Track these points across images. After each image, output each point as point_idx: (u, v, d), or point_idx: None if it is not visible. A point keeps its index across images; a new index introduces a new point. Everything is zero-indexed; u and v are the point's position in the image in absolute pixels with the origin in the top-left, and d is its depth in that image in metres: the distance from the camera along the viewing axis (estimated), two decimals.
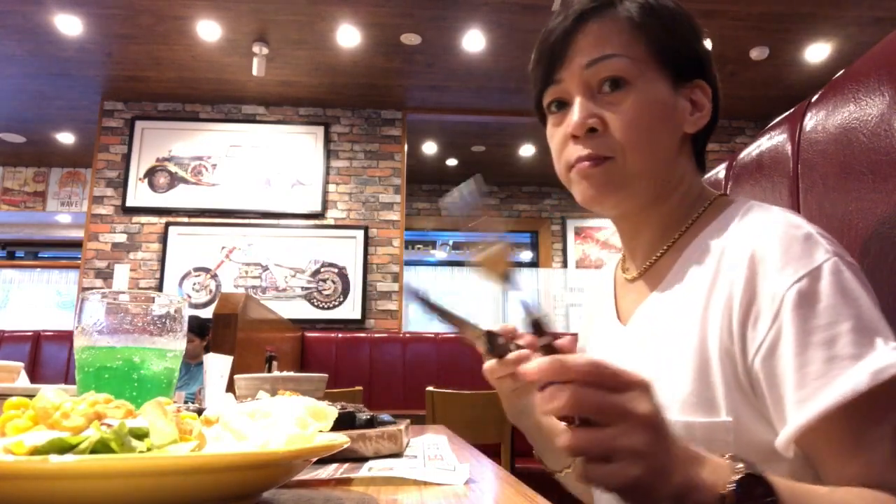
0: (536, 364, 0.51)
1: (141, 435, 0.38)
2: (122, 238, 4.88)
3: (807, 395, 0.60)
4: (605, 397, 0.50)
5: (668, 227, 0.80)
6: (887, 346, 0.60)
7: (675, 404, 0.69)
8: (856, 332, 0.60)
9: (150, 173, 4.96)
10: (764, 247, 0.67)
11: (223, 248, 4.88)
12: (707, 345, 0.69)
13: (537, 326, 0.59)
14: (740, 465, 0.53)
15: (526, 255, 7.34)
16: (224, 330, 2.61)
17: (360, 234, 4.96)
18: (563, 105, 0.78)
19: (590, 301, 0.99)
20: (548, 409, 0.50)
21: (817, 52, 4.35)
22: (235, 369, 1.22)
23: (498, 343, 0.71)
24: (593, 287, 0.99)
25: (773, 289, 0.64)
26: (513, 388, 0.77)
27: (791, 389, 0.61)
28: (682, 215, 0.80)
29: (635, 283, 0.84)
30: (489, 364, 0.74)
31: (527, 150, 6.14)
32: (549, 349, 0.57)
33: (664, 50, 0.75)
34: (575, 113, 0.74)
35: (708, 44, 0.81)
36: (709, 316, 0.69)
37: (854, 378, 0.58)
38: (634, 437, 0.49)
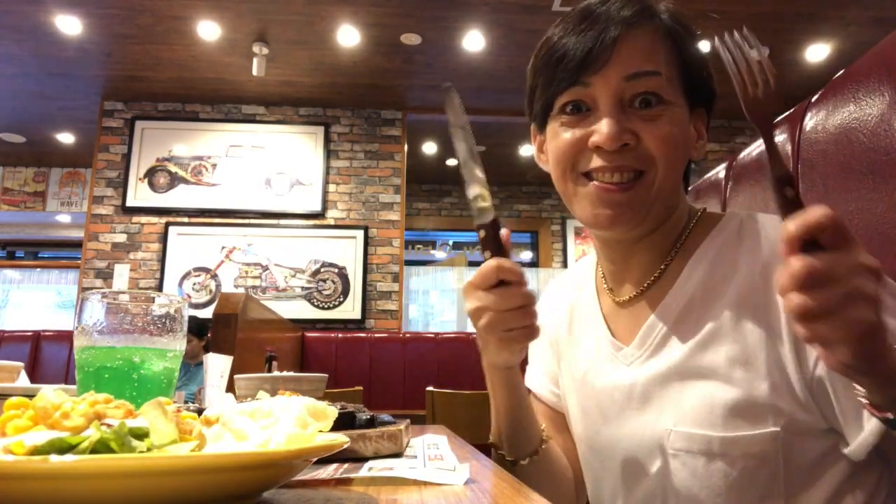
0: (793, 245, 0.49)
1: (141, 435, 0.38)
2: (122, 238, 4.88)
3: None
4: (838, 256, 0.49)
5: (662, 248, 0.80)
6: None
7: (718, 419, 0.68)
8: None
9: (150, 173, 4.96)
10: None
11: (223, 248, 4.88)
12: (751, 358, 0.67)
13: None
14: None
15: (526, 255, 7.34)
16: (224, 330, 2.61)
17: (360, 234, 4.96)
18: (580, 109, 0.74)
19: (561, 321, 0.92)
20: (787, 283, 0.49)
21: (817, 52, 4.35)
22: (235, 369, 1.21)
23: (500, 238, 0.67)
24: (562, 309, 0.93)
25: None
26: (510, 306, 0.66)
27: None
28: (675, 235, 0.80)
29: (630, 305, 0.81)
30: (494, 262, 0.66)
31: (527, 150, 6.14)
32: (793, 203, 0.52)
33: (689, 72, 0.74)
34: (606, 125, 0.70)
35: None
36: (745, 329, 0.68)
37: None
38: (870, 284, 0.49)
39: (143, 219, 4.90)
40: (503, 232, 0.68)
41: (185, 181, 4.96)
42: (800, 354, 0.66)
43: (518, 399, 0.82)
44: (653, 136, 0.71)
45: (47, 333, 4.62)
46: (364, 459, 0.72)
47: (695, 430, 0.69)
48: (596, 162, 0.72)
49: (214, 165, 5.00)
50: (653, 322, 0.77)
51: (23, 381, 1.22)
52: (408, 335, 4.53)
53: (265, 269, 4.88)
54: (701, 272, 0.75)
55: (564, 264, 6.85)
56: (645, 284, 0.80)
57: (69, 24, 4.02)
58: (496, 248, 0.68)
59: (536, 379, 0.98)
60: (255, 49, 4.27)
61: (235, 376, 1.11)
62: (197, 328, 3.93)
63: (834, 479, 0.67)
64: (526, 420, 0.84)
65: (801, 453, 0.67)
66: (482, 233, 0.69)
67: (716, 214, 0.80)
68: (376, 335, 4.50)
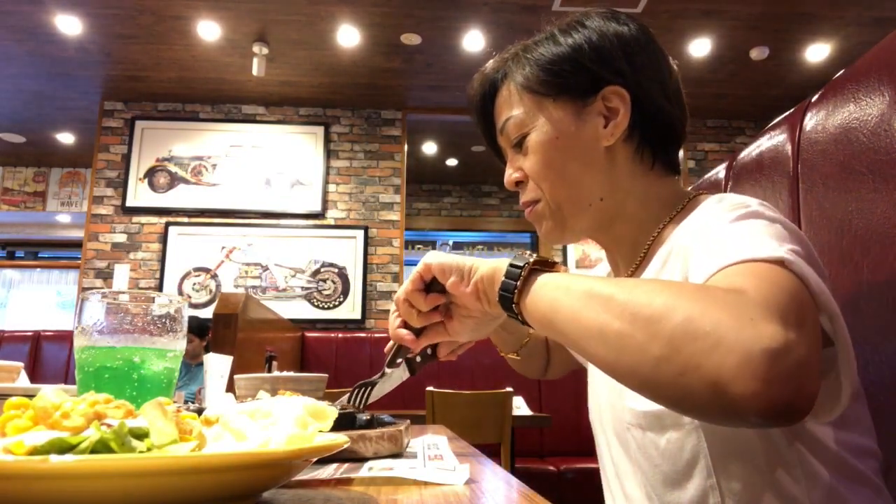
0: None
1: (141, 435, 0.38)
2: (122, 238, 4.88)
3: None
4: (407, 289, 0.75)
5: (641, 235, 0.80)
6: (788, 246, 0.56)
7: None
8: (772, 238, 0.58)
9: (150, 173, 4.96)
10: (708, 222, 0.67)
11: (223, 248, 4.88)
12: None
13: None
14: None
15: None
16: (224, 330, 2.61)
17: (360, 234, 4.96)
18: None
19: None
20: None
21: (817, 52, 4.35)
22: (235, 369, 1.21)
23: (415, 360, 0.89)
24: None
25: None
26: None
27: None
28: (652, 221, 0.80)
29: None
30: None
31: None
32: None
33: (548, 86, 0.78)
34: (506, 171, 0.86)
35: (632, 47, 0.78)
36: None
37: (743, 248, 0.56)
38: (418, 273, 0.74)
39: (143, 219, 4.90)
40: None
41: (185, 181, 4.96)
42: None
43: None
44: (528, 169, 0.81)
45: (47, 333, 4.62)
46: (364, 459, 0.72)
47: (637, 407, 0.73)
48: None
49: (214, 165, 5.00)
50: None
51: (23, 381, 1.22)
52: None
53: (265, 269, 4.88)
54: (661, 259, 0.75)
55: (564, 264, 6.85)
56: (629, 272, 0.83)
57: (69, 24, 4.02)
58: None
59: None
60: (255, 49, 4.27)
61: (235, 376, 1.11)
62: (197, 328, 3.93)
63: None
64: (503, 336, 1.04)
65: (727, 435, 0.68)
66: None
67: (700, 197, 0.79)
68: (376, 335, 4.50)
